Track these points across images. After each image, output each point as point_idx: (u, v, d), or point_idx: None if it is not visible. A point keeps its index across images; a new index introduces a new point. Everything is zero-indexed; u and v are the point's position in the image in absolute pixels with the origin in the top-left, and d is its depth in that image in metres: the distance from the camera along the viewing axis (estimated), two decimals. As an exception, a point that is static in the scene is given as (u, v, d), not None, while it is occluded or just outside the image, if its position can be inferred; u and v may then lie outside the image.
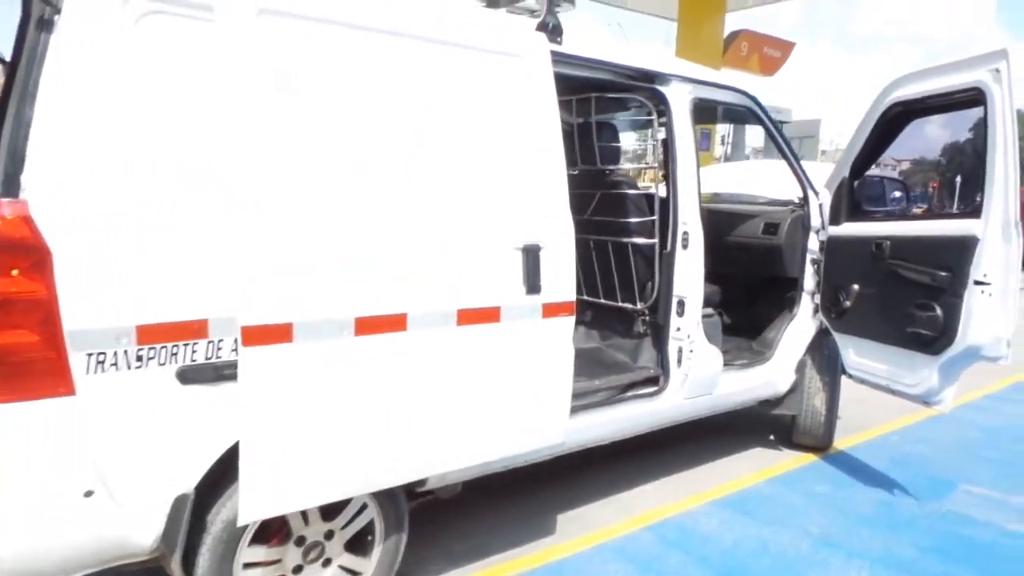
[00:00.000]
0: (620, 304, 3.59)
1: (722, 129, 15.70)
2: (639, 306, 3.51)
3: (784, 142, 3.85)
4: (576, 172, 3.73)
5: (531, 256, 2.49)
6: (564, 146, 2.82)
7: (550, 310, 2.56)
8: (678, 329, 3.36)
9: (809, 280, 3.97)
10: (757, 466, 4.00)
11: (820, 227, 3.92)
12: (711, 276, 4.72)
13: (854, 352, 3.73)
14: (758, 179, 5.19)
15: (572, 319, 2.65)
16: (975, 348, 3.08)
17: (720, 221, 4.45)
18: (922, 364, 3.31)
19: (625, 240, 3.45)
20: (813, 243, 3.94)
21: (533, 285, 2.50)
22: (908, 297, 3.32)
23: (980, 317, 3.04)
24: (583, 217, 3.63)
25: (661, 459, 3.97)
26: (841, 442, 4.33)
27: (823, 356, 4.05)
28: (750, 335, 4.33)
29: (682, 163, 3.30)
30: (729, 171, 6.13)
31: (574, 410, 2.92)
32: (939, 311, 3.17)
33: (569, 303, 2.62)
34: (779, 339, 3.98)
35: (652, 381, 3.41)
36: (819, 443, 4.16)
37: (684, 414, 3.55)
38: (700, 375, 3.47)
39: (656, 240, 3.38)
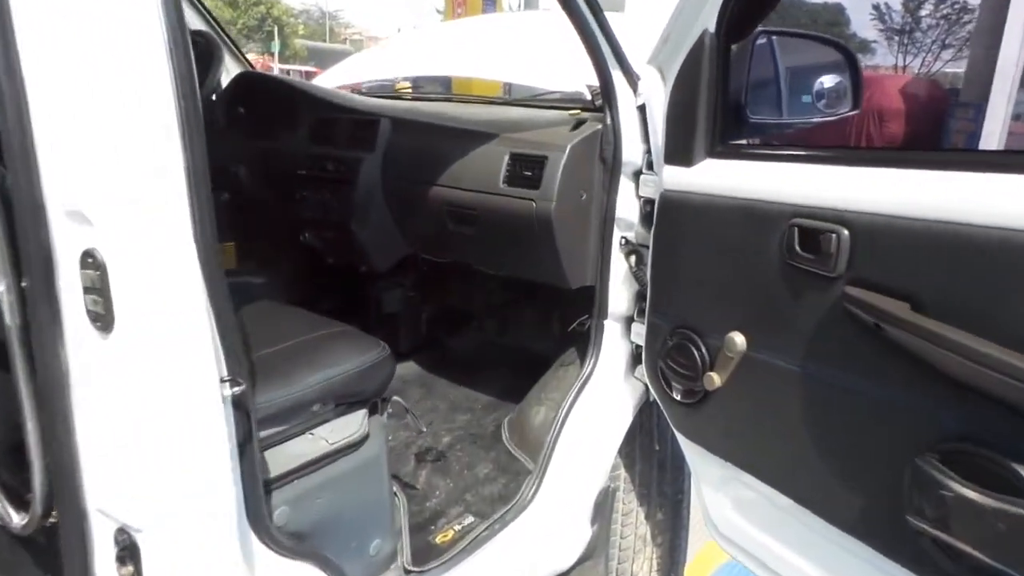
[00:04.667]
0: None
1: None
2: None
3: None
4: None
5: None
6: None
7: None
8: None
9: (620, 293, 1.63)
10: None
11: (642, 166, 1.54)
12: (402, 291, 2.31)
13: (734, 507, 1.45)
14: (515, 54, 2.63)
15: None
16: None
17: (414, 151, 1.92)
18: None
19: None
20: (627, 207, 1.57)
21: None
22: (916, 412, 1.03)
23: None
24: None
25: None
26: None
27: (651, 459, 1.79)
28: (495, 405, 1.98)
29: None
30: (462, 32, 3.32)
31: None
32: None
33: None
34: (555, 434, 1.64)
35: None
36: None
37: None
38: None
39: None
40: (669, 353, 1.47)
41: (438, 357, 2.29)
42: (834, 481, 1.19)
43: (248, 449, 0.98)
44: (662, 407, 1.55)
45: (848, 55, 1.47)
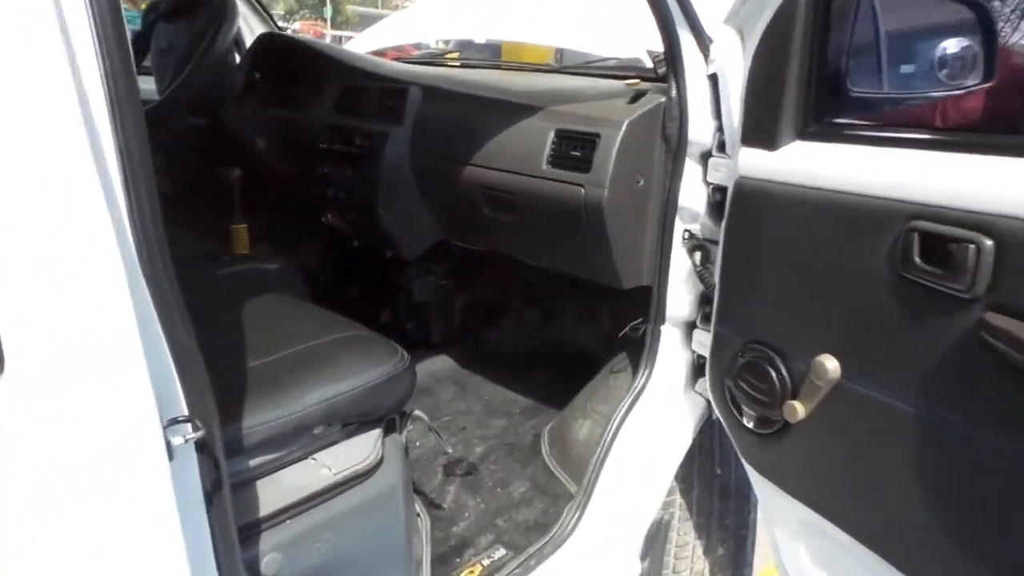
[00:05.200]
0: None
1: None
2: None
3: None
4: None
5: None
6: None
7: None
8: None
9: (681, 295, 1.40)
10: None
11: (712, 148, 1.29)
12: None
13: (815, 560, 1.22)
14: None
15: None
16: None
17: (447, 125, 1.69)
18: None
19: None
20: (692, 195, 1.33)
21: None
22: None
23: None
24: None
25: None
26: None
27: (711, 485, 1.56)
28: (534, 410, 1.78)
29: None
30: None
31: None
32: None
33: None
34: (603, 454, 1.43)
35: None
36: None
37: None
38: None
39: None
40: (740, 372, 1.24)
41: (473, 351, 2.09)
42: (954, 553, 0.94)
43: (218, 498, 0.79)
44: (729, 433, 1.32)
45: (982, 12, 1.18)
